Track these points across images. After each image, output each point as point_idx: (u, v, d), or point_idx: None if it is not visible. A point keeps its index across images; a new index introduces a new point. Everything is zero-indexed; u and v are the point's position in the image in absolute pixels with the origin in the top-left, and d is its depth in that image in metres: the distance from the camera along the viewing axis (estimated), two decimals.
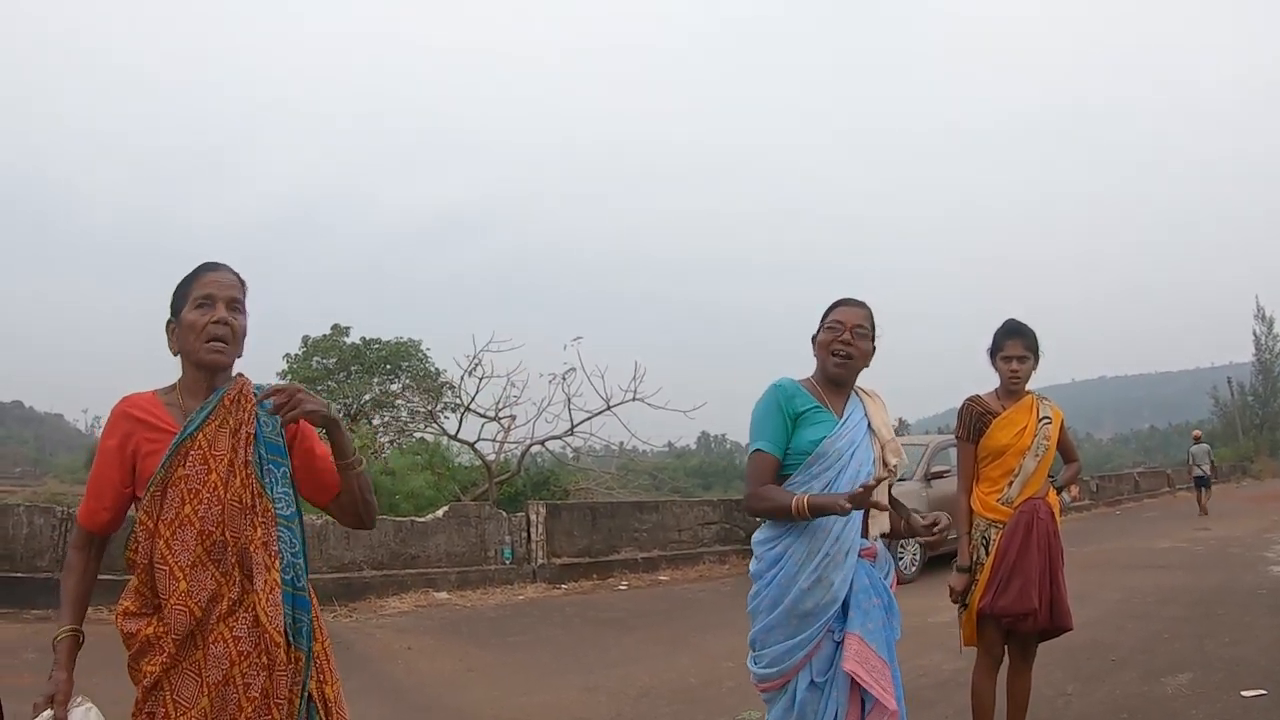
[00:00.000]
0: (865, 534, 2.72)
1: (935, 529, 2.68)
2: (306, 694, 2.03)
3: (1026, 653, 3.91)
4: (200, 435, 2.02)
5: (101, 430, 2.15)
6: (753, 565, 2.81)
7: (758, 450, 2.73)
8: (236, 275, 2.16)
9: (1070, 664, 5.54)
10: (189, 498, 1.98)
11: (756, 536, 2.80)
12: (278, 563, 2.01)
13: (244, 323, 2.13)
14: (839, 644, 2.62)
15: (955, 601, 3.92)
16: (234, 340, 2.10)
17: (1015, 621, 3.74)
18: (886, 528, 2.81)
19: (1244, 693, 4.88)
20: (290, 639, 2.00)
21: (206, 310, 2.07)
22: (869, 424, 2.81)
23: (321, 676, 2.08)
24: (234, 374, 2.17)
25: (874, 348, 2.85)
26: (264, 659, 1.96)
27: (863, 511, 2.66)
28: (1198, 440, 21.92)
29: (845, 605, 2.63)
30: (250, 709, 1.94)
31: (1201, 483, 19.96)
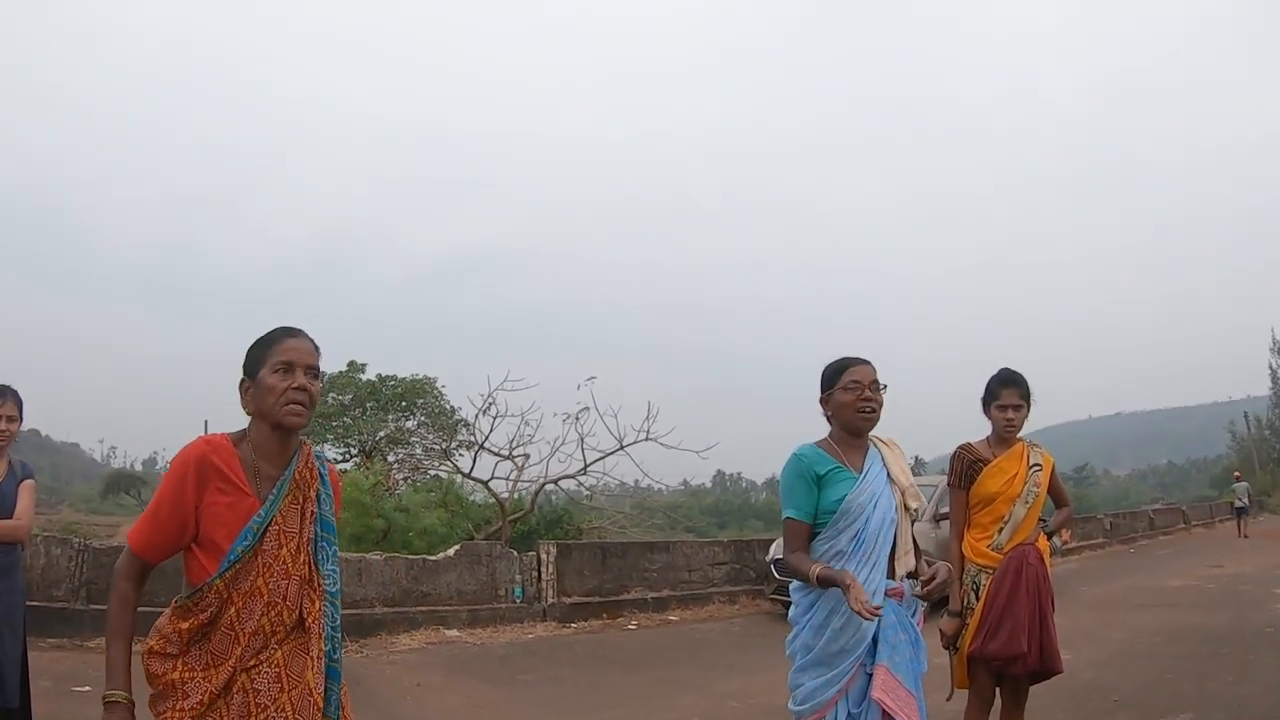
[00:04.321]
0: (891, 575, 2.90)
1: (929, 585, 2.81)
2: None
3: (1018, 695, 3.97)
4: (277, 513, 2.13)
5: (172, 460, 2.19)
6: (791, 611, 3.03)
7: (788, 518, 2.96)
8: (313, 343, 2.27)
9: (1071, 705, 5.58)
10: (262, 571, 2.08)
11: (794, 585, 3.01)
12: (322, 636, 2.15)
13: (318, 388, 2.23)
14: (870, 677, 2.80)
15: (946, 646, 3.98)
16: (310, 405, 2.19)
17: (1005, 665, 3.81)
18: (913, 566, 2.96)
19: None
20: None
21: (286, 376, 2.16)
22: (888, 474, 2.99)
23: None
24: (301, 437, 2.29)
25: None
26: (285, 714, 2.04)
27: (889, 554, 2.88)
28: (1238, 479, 28.70)
29: (875, 641, 2.81)
30: None
31: (1242, 513, 25.54)
